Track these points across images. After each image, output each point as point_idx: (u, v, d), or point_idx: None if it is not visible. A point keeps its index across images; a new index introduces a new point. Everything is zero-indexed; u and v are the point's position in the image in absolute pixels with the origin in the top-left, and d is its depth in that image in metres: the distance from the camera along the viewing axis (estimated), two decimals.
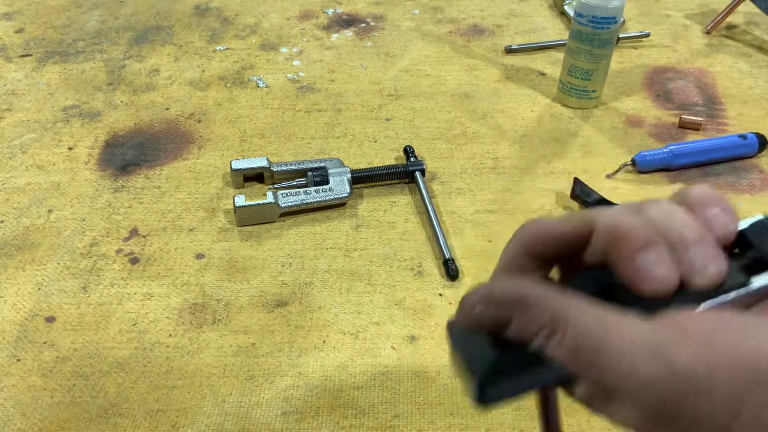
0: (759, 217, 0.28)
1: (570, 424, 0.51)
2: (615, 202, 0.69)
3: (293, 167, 0.73)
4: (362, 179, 0.72)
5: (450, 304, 0.60)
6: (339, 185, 0.70)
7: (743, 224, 0.28)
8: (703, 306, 0.26)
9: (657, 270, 0.26)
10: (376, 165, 0.75)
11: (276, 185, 0.73)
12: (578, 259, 0.29)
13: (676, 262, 0.26)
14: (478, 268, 0.64)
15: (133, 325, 0.59)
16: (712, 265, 0.26)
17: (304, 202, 0.69)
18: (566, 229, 0.29)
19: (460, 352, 0.27)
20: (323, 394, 0.54)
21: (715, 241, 0.27)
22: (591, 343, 0.24)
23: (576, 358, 0.24)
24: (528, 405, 0.52)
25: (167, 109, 0.86)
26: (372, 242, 0.67)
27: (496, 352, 0.26)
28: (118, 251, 0.66)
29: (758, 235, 0.27)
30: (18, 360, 0.56)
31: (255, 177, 0.74)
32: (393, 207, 0.71)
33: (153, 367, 0.56)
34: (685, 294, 0.26)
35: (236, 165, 0.72)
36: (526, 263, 0.30)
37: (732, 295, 0.26)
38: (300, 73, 0.92)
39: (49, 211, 0.71)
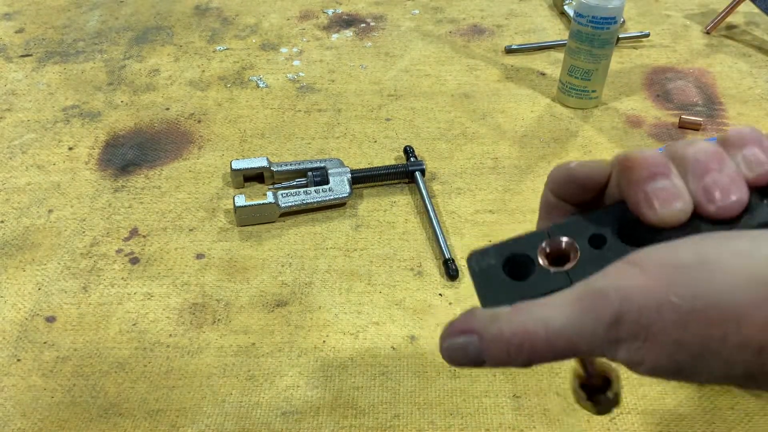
0: None
1: (570, 424, 0.51)
2: None
3: (293, 167, 0.73)
4: (362, 179, 0.72)
5: (450, 304, 0.60)
6: (339, 185, 0.70)
7: None
8: None
9: (662, 197, 0.26)
10: (376, 165, 0.75)
11: (276, 185, 0.73)
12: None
13: (690, 192, 0.26)
14: None
15: (133, 325, 0.59)
16: (727, 193, 0.26)
17: (304, 202, 0.69)
18: (591, 171, 0.29)
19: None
20: (323, 394, 0.54)
21: (746, 179, 0.26)
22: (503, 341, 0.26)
23: (503, 356, 0.26)
24: (528, 405, 0.52)
25: (167, 109, 0.86)
26: (372, 242, 0.67)
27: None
28: (118, 251, 0.66)
29: None
30: (18, 360, 0.56)
31: (255, 177, 0.74)
32: (393, 207, 0.71)
33: (153, 367, 0.56)
34: (704, 225, 0.26)
35: (236, 165, 0.72)
36: (555, 204, 0.31)
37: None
38: (300, 73, 0.92)
39: (50, 211, 0.71)
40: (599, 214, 0.28)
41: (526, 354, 0.26)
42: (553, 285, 0.26)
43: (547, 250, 0.28)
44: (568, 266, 0.27)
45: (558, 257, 0.28)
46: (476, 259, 0.28)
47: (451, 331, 0.28)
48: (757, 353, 0.23)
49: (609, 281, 0.25)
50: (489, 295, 0.27)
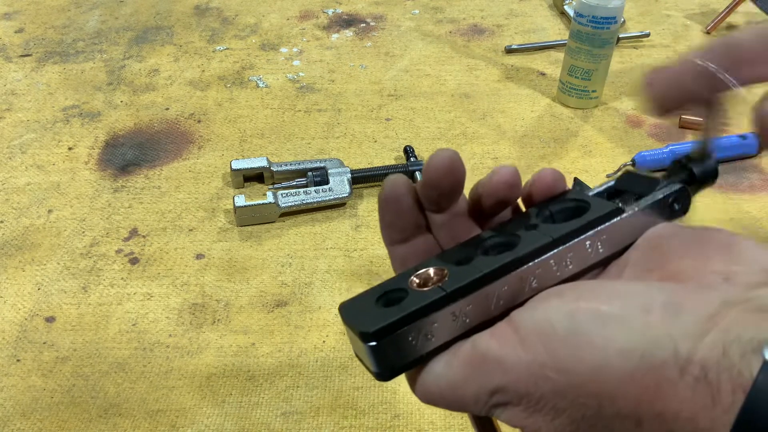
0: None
1: None
2: None
3: (293, 167, 0.73)
4: (362, 179, 0.72)
5: None
6: (339, 185, 0.70)
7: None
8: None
9: None
10: (376, 165, 0.75)
11: (276, 185, 0.73)
12: None
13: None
14: None
15: (133, 325, 0.59)
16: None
17: (304, 202, 0.69)
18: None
19: (350, 320, 0.27)
20: (323, 394, 0.54)
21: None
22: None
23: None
24: None
25: (167, 109, 0.86)
26: (372, 242, 0.67)
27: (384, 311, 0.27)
28: (118, 251, 0.66)
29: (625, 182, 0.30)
30: (18, 360, 0.56)
31: (255, 177, 0.74)
32: None
33: (153, 367, 0.56)
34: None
35: (236, 165, 0.72)
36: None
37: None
38: (300, 73, 0.92)
39: (49, 211, 0.71)
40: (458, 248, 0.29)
41: (437, 405, 0.27)
42: (429, 298, 0.26)
43: (417, 280, 0.27)
44: (440, 283, 0.27)
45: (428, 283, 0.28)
46: (347, 304, 0.28)
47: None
48: (636, 424, 0.23)
49: (492, 347, 0.25)
50: (366, 323, 0.26)
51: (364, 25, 1.04)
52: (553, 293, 0.25)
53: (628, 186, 0.30)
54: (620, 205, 0.28)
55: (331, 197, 0.69)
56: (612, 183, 0.31)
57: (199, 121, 0.84)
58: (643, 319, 0.23)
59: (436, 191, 0.29)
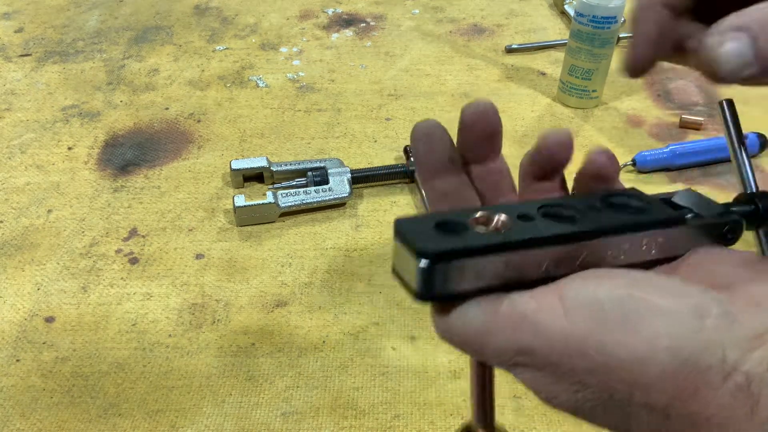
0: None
1: (569, 423, 0.51)
2: None
3: (293, 167, 0.73)
4: (362, 179, 0.72)
5: None
6: (339, 185, 0.70)
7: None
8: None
9: None
10: (376, 165, 0.75)
11: (276, 185, 0.73)
12: None
13: None
14: None
15: (133, 325, 0.59)
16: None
17: (304, 202, 0.69)
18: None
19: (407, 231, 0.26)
20: (323, 394, 0.53)
21: None
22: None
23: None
24: (528, 405, 0.52)
25: (167, 108, 0.86)
26: (372, 242, 0.67)
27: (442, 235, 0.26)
28: (118, 251, 0.66)
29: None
30: (17, 360, 0.56)
31: (255, 177, 0.74)
32: (393, 207, 0.71)
33: (152, 367, 0.56)
34: None
35: (236, 165, 0.72)
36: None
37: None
38: (300, 73, 0.92)
39: (49, 211, 0.71)
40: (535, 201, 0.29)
41: (453, 345, 0.27)
42: (490, 240, 0.26)
43: (477, 221, 0.27)
44: (501, 230, 0.27)
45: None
46: (402, 221, 0.27)
47: None
48: (662, 419, 0.23)
49: (532, 309, 0.25)
50: (424, 242, 0.26)
51: (364, 24, 1.04)
52: (604, 274, 0.25)
53: (686, 202, 0.30)
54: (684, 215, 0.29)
55: (331, 197, 0.69)
56: (669, 195, 0.31)
57: (198, 121, 0.83)
58: (697, 321, 0.23)
59: (471, 135, 0.30)
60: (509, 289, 0.26)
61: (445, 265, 0.25)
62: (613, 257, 0.27)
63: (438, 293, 0.26)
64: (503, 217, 0.27)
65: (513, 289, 0.26)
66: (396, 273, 0.27)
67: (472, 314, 0.26)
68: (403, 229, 0.27)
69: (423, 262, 0.25)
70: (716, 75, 0.27)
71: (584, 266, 0.27)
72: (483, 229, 0.27)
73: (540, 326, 0.24)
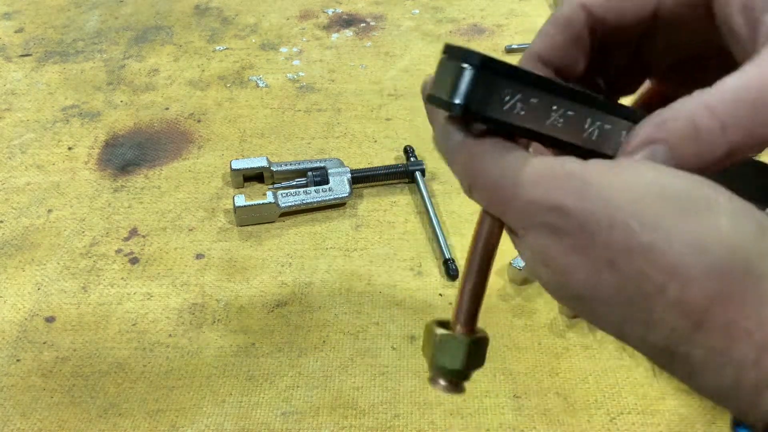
0: None
1: (570, 424, 0.51)
2: None
3: (293, 167, 0.73)
4: (362, 179, 0.72)
5: (450, 304, 0.60)
6: (339, 185, 0.70)
7: None
8: None
9: None
10: (376, 165, 0.75)
11: (276, 185, 0.73)
12: None
13: None
14: None
15: (133, 325, 0.59)
16: None
17: (304, 202, 0.69)
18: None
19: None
20: (323, 394, 0.54)
21: None
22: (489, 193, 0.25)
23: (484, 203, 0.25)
24: (528, 405, 0.52)
25: (167, 108, 0.86)
26: (372, 242, 0.67)
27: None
28: (118, 251, 0.66)
29: None
30: (18, 360, 0.56)
31: (255, 177, 0.74)
32: (393, 207, 0.71)
33: (153, 367, 0.56)
34: None
35: (236, 165, 0.72)
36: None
37: None
38: (300, 73, 0.92)
39: (49, 211, 0.71)
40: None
41: (474, 190, 0.26)
42: (544, 77, 0.25)
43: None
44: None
45: None
46: (452, 45, 0.26)
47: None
48: (693, 326, 0.21)
49: (583, 169, 0.23)
50: (473, 53, 0.24)
51: (364, 24, 1.04)
52: (664, 167, 0.23)
53: None
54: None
55: (331, 197, 0.69)
56: None
57: (198, 121, 0.83)
58: (761, 231, 0.21)
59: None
60: (543, 141, 0.25)
61: (493, 78, 0.23)
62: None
63: (478, 110, 0.23)
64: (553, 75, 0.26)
65: (546, 144, 0.25)
66: (432, 97, 0.25)
67: (513, 157, 0.24)
68: (453, 46, 0.25)
69: (472, 67, 0.23)
70: None
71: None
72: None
73: (588, 187, 0.22)
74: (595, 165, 0.23)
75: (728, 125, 0.22)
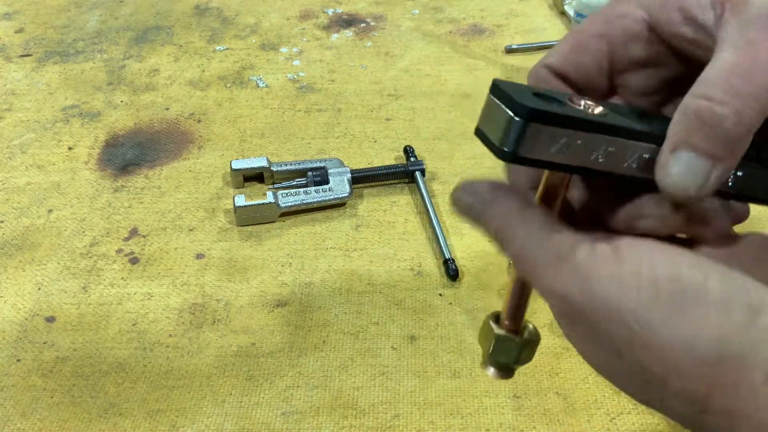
0: None
1: (571, 424, 0.51)
2: None
3: (293, 167, 0.73)
4: (362, 179, 0.72)
5: (450, 304, 0.60)
6: (339, 185, 0.70)
7: None
8: None
9: None
10: (376, 165, 0.75)
11: (276, 185, 0.73)
12: None
13: None
14: (477, 268, 0.64)
15: (133, 325, 0.59)
16: None
17: (304, 202, 0.69)
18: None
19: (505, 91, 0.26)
20: (323, 394, 0.54)
21: None
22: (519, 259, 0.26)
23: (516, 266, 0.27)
24: (528, 405, 0.52)
25: (167, 109, 0.86)
26: (372, 242, 0.67)
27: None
28: (118, 251, 0.66)
29: None
30: (18, 360, 0.56)
31: (255, 177, 0.74)
32: (393, 207, 0.71)
33: (153, 367, 0.56)
34: None
35: (236, 165, 0.72)
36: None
37: None
38: (300, 73, 0.92)
39: (49, 211, 0.71)
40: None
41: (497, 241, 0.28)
42: (588, 116, 0.25)
43: (574, 100, 0.27)
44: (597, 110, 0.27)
45: None
46: (500, 82, 0.27)
47: None
48: (698, 411, 0.23)
49: (587, 261, 0.24)
50: (524, 100, 0.25)
51: (364, 25, 1.04)
52: (666, 248, 0.24)
53: None
54: None
55: (331, 197, 0.69)
56: None
57: (199, 121, 0.84)
58: (750, 317, 0.22)
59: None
60: (587, 175, 0.26)
61: (541, 127, 0.24)
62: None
63: (524, 156, 0.25)
64: (596, 102, 0.27)
65: (589, 176, 0.26)
66: (480, 132, 0.27)
67: (537, 235, 0.25)
68: (501, 86, 0.26)
69: (521, 118, 0.24)
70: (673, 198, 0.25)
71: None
72: (580, 107, 0.26)
73: (591, 284, 0.24)
74: (601, 257, 0.24)
75: (727, 101, 0.23)
